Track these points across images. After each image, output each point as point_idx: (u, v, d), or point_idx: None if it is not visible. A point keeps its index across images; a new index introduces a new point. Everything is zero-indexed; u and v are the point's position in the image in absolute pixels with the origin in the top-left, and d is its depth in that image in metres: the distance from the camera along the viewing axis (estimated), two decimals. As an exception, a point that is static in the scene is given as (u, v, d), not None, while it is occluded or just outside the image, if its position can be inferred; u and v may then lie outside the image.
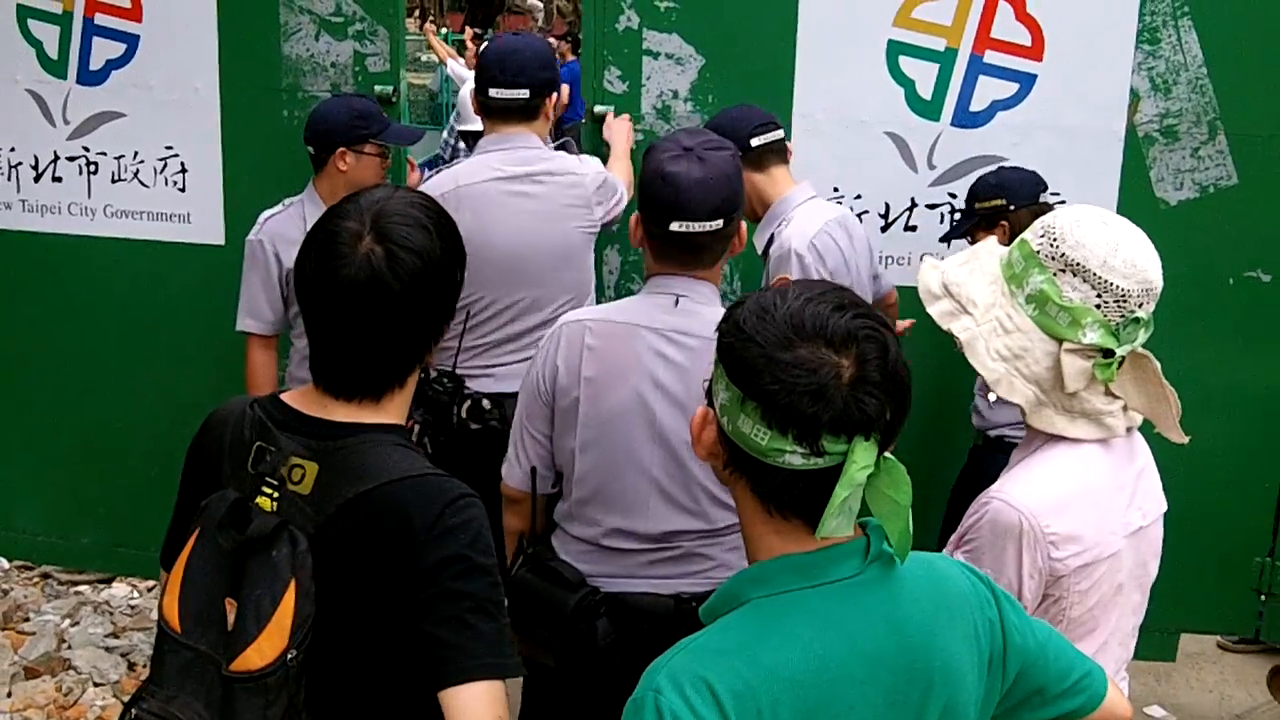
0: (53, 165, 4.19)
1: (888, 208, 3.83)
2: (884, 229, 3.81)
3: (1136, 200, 3.65)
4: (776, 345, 1.27)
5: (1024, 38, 3.70)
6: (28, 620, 4.29)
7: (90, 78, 4.08)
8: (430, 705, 1.56)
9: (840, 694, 1.29)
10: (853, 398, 1.25)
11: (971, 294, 1.83)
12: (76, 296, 4.26)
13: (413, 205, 1.66)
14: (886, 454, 1.31)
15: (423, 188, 3.31)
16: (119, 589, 4.54)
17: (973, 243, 3.13)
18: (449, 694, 1.53)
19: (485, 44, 3.31)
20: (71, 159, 4.16)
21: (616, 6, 3.76)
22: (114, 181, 4.13)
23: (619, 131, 3.65)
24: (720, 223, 2.33)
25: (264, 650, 1.51)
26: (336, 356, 1.65)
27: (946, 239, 3.69)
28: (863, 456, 1.26)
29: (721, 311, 2.31)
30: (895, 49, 3.74)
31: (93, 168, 4.15)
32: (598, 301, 3.48)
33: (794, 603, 1.32)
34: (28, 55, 4.11)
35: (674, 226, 2.31)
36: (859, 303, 1.33)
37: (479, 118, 3.54)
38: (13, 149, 4.21)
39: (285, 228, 3.58)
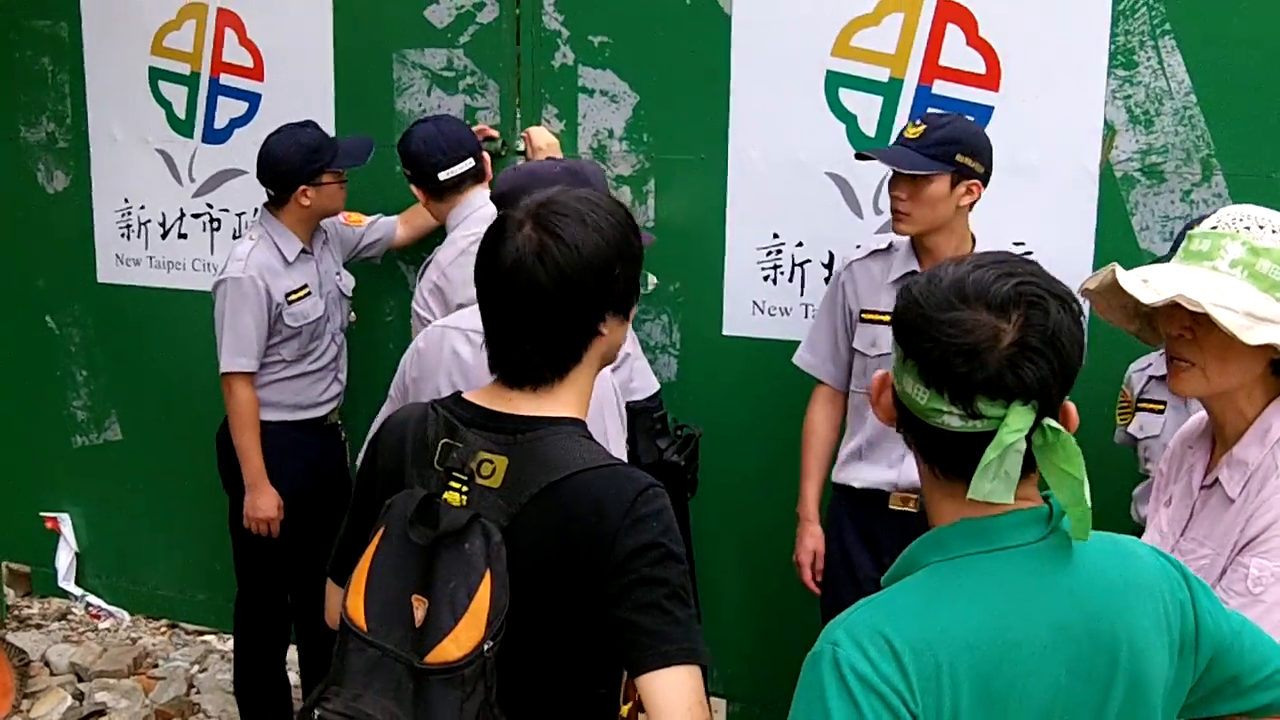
0: (179, 222, 4.34)
1: (831, 257, 3.46)
2: (828, 280, 3.35)
3: (1117, 251, 3.04)
4: (937, 307, 1.29)
5: (977, 65, 3.28)
6: (157, 666, 4.39)
7: (215, 136, 4.24)
8: (616, 696, 1.59)
9: (1018, 659, 1.28)
10: (1009, 362, 1.25)
11: None
12: (196, 352, 4.32)
13: (577, 200, 1.70)
14: (1053, 424, 1.29)
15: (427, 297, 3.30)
16: (243, 637, 4.61)
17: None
18: (650, 679, 1.54)
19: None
20: (196, 216, 4.32)
21: (552, 42, 3.71)
22: (235, 237, 4.24)
23: (538, 133, 3.64)
24: None
25: (461, 641, 1.52)
26: (508, 343, 1.69)
27: None
28: (1016, 420, 1.25)
29: None
30: (835, 81, 3.41)
31: (215, 224, 4.30)
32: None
33: (971, 566, 1.32)
34: (158, 116, 4.30)
35: None
36: (1033, 270, 1.32)
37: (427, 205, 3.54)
38: (142, 207, 4.39)
39: (268, 259, 3.55)
